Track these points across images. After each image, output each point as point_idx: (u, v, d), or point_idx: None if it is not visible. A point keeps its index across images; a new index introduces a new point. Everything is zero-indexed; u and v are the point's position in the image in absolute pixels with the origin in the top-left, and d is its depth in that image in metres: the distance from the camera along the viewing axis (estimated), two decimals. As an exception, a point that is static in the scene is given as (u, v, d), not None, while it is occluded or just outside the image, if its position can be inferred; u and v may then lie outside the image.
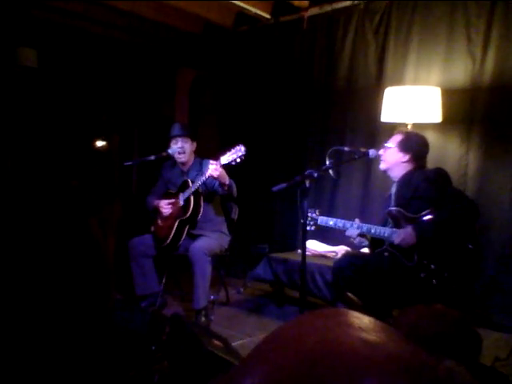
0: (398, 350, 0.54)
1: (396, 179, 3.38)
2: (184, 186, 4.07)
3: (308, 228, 3.41)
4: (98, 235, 0.73)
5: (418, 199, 3.15)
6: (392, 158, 3.35)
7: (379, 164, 3.47)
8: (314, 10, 5.12)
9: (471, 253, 2.99)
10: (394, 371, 0.51)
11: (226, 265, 4.45)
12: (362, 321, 0.57)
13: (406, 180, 3.29)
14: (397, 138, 3.38)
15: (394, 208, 3.26)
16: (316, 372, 0.50)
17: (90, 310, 0.69)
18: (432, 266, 2.99)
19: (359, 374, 0.50)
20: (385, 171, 3.45)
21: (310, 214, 3.46)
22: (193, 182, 3.97)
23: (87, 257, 0.70)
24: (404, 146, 3.31)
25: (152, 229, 4.23)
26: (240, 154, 3.65)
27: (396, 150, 3.33)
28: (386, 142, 3.43)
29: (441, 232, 2.99)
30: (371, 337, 0.54)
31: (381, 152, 3.40)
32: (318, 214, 3.50)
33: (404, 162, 3.32)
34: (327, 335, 0.54)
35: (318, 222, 3.49)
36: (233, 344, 2.90)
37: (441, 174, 3.24)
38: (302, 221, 2.99)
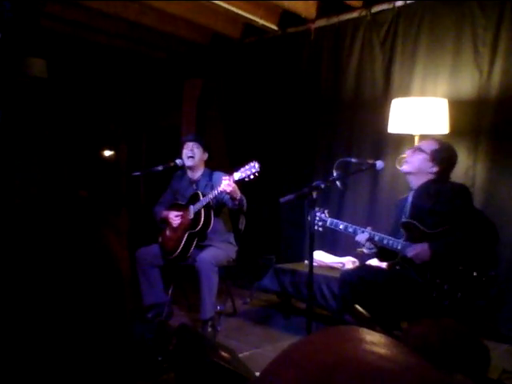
0: (409, 363, 0.55)
1: (415, 187, 3.22)
2: (194, 199, 4.06)
3: (315, 227, 3.24)
4: (115, 246, 0.73)
5: (435, 214, 3.01)
6: (420, 164, 3.15)
7: (402, 166, 3.27)
8: (321, 22, 5.14)
9: (491, 279, 2.85)
10: (408, 382, 0.52)
11: (232, 275, 4.45)
12: (373, 336, 0.58)
13: (424, 191, 3.14)
14: (431, 146, 3.17)
15: (409, 220, 3.14)
16: (334, 381, 0.51)
17: (106, 323, 0.69)
18: (445, 287, 2.88)
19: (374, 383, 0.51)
20: (405, 174, 3.27)
21: (318, 214, 3.31)
22: (204, 195, 3.97)
23: (103, 269, 0.70)
24: (437, 157, 3.12)
25: (159, 239, 4.23)
26: (254, 170, 3.63)
27: (428, 157, 3.12)
28: (419, 145, 3.26)
29: (457, 254, 2.87)
30: (383, 350, 0.55)
31: (407, 153, 3.25)
32: (327, 215, 3.34)
33: (430, 173, 3.14)
34: (342, 348, 0.55)
35: (328, 223, 3.32)
36: (239, 355, 2.90)
37: (462, 191, 3.08)
38: (309, 231, 2.96)
